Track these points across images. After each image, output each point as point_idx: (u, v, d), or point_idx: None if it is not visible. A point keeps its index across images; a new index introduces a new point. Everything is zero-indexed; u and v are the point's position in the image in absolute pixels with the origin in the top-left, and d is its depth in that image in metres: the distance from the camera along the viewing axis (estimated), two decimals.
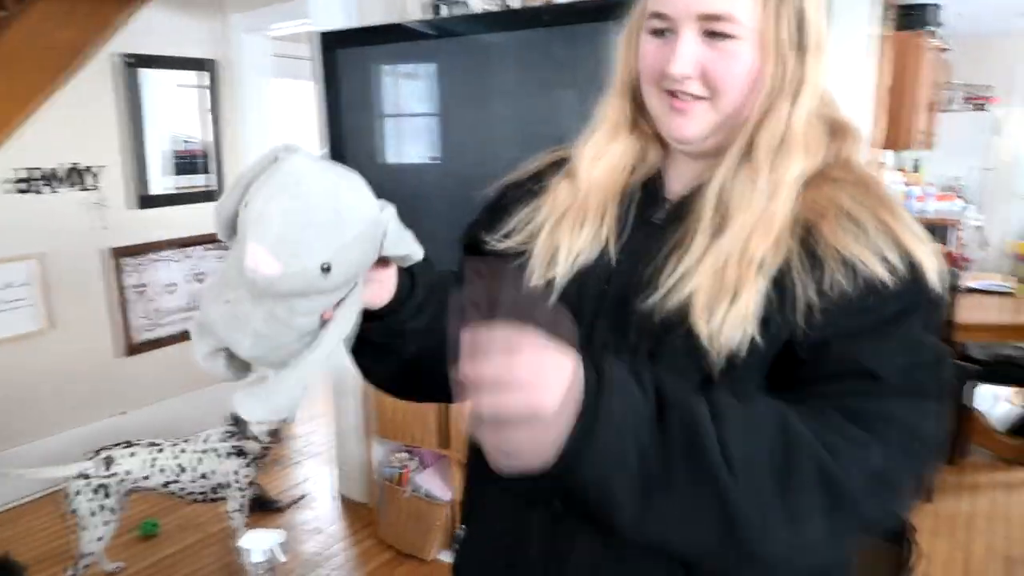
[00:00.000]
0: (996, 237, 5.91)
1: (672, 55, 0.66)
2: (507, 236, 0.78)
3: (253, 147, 3.44)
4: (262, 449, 2.34)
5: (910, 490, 0.64)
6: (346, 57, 2.38)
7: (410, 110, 2.40)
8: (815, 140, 0.68)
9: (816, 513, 0.57)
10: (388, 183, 2.39)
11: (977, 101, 5.64)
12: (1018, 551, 2.38)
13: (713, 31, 0.65)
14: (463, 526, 0.85)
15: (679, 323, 0.65)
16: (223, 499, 2.37)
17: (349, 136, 2.41)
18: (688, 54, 0.65)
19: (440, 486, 2.36)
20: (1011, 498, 2.71)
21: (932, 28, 4.66)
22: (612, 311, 0.71)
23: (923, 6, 4.62)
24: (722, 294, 0.63)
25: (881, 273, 0.61)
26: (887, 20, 2.37)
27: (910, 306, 0.63)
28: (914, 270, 0.63)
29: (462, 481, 2.39)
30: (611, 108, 0.75)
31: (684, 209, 0.70)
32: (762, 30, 0.65)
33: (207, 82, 3.35)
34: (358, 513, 2.73)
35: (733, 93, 0.66)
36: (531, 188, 0.80)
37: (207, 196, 3.41)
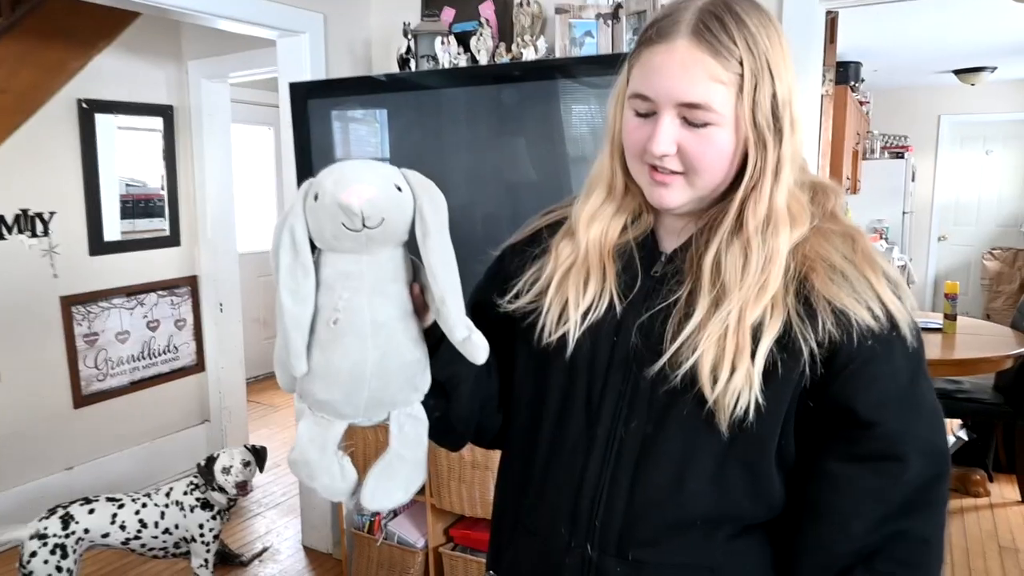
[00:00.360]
0: (919, 276, 6.33)
1: (653, 136, 0.70)
2: (516, 297, 0.82)
3: (209, 191, 3.41)
4: (228, 501, 2.29)
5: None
6: (316, 107, 2.41)
7: (376, 156, 2.45)
8: (799, 209, 0.73)
9: None
10: None
11: (895, 150, 6.06)
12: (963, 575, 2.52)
13: (690, 119, 0.69)
14: (491, 572, 0.89)
15: (688, 388, 0.71)
16: (186, 555, 2.30)
17: None
18: (667, 136, 0.70)
19: (414, 533, 2.35)
20: (954, 525, 2.88)
21: (854, 83, 5.04)
22: (623, 366, 0.76)
23: (846, 63, 5.01)
24: (724, 363, 0.69)
25: (868, 320, 0.69)
26: (827, 81, 2.58)
27: (915, 369, 0.72)
28: (891, 320, 0.70)
29: (434, 525, 2.35)
30: (604, 171, 0.80)
31: (678, 261, 0.77)
32: (738, 117, 0.69)
33: (164, 127, 3.32)
34: (324, 564, 2.67)
35: (709, 172, 0.72)
36: (531, 251, 0.84)
37: (162, 242, 3.35)
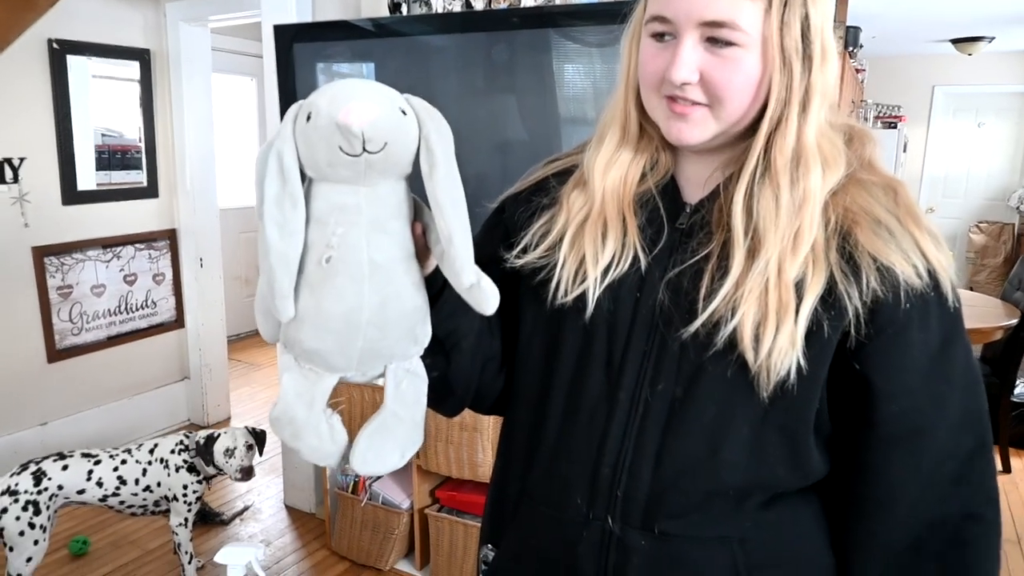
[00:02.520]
0: None
1: (673, 61, 0.64)
2: (524, 252, 0.75)
3: (189, 142, 3.28)
4: (217, 472, 2.22)
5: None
6: (301, 52, 2.30)
7: None
8: (832, 150, 0.67)
9: None
10: None
11: (888, 120, 6.01)
12: None
13: (715, 38, 0.63)
14: (490, 546, 0.83)
15: (728, 350, 0.66)
16: (165, 512, 2.24)
17: None
18: (689, 60, 0.63)
19: (399, 494, 2.31)
20: None
21: (853, 49, 4.96)
22: (647, 325, 0.70)
23: (846, 28, 4.91)
24: (767, 322, 0.64)
25: (912, 278, 0.64)
26: (837, 35, 2.50)
27: (954, 331, 0.68)
28: (933, 277, 0.66)
29: (419, 486, 2.31)
30: (617, 114, 0.73)
31: (706, 215, 0.70)
32: (766, 38, 0.63)
33: (141, 73, 3.17)
34: (307, 524, 2.63)
35: (735, 102, 0.65)
36: (538, 201, 0.77)
37: (140, 193, 3.23)
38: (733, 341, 0.65)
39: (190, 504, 2.20)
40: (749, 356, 0.64)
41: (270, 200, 0.60)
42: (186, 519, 2.20)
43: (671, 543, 0.69)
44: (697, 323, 0.66)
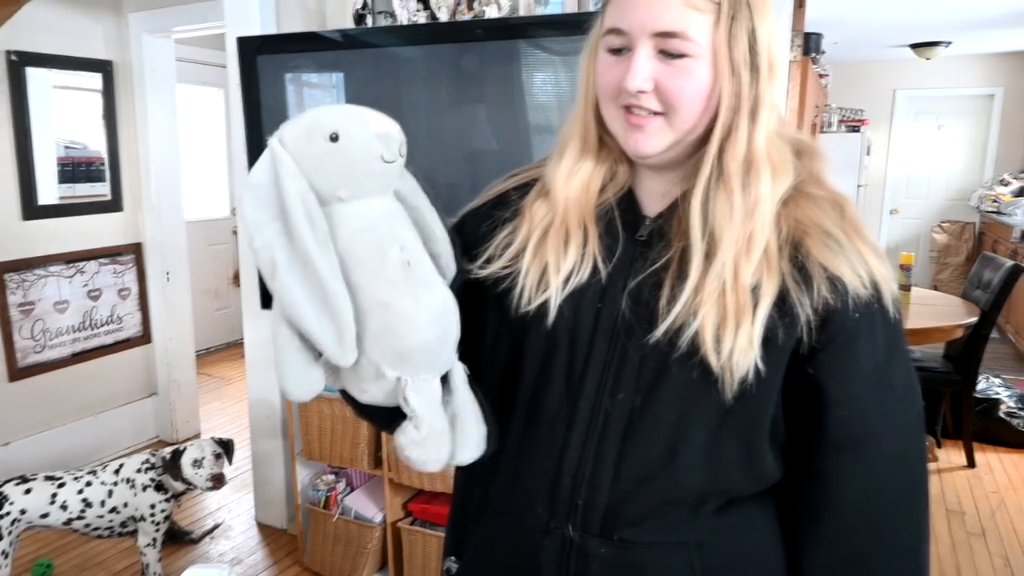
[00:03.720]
0: None
1: (628, 70, 0.66)
2: (488, 262, 0.76)
3: (154, 154, 3.23)
4: (186, 488, 2.19)
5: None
6: (266, 64, 2.28)
7: None
8: (781, 160, 0.69)
9: None
10: None
11: (851, 123, 6.12)
12: None
13: (667, 50, 0.65)
14: (453, 558, 0.84)
15: (689, 355, 0.67)
16: (132, 533, 2.20)
17: None
18: (643, 69, 0.66)
19: (371, 508, 2.30)
20: None
21: (816, 55, 5.05)
22: (608, 335, 0.71)
23: (808, 34, 5.00)
24: (727, 324, 0.66)
25: (859, 289, 0.67)
26: (795, 47, 2.55)
27: (894, 342, 0.70)
28: (877, 289, 0.69)
29: (392, 500, 2.29)
30: (577, 127, 0.75)
31: (665, 226, 0.72)
32: (716, 49, 0.65)
33: (103, 85, 3.12)
34: (279, 541, 2.60)
35: (687, 110, 0.67)
36: (499, 215, 0.78)
37: (103, 207, 3.17)
38: (695, 344, 0.66)
39: (158, 524, 2.16)
40: (711, 358, 0.66)
41: (312, 247, 0.58)
42: (154, 539, 2.16)
43: (630, 550, 0.70)
44: (660, 330, 0.67)
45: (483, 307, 0.78)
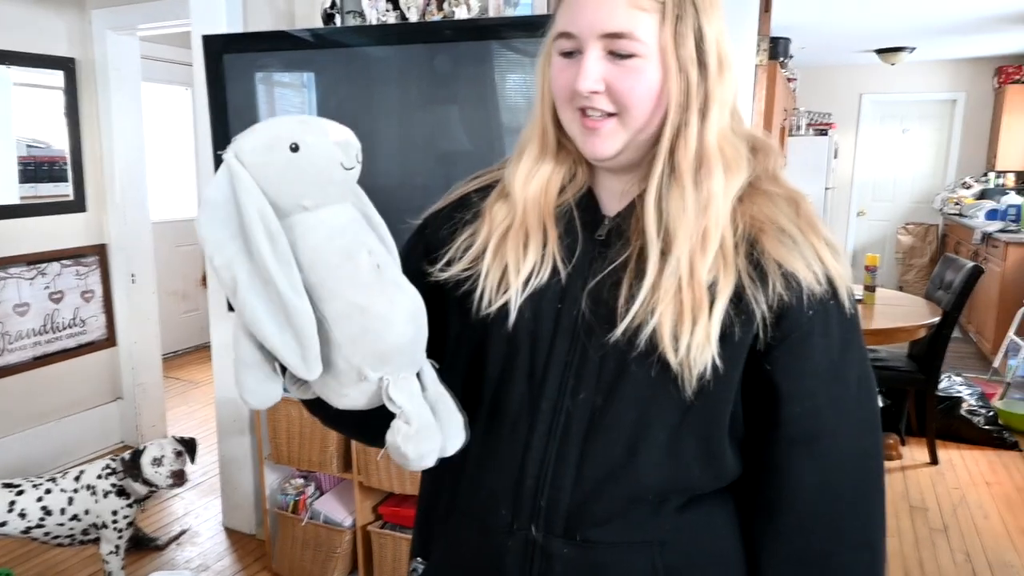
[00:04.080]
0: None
1: (579, 72, 0.67)
2: (448, 264, 0.76)
3: (118, 153, 3.17)
4: (149, 492, 2.15)
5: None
6: (232, 63, 2.25)
7: None
8: (735, 156, 0.70)
9: None
10: None
11: (819, 127, 6.23)
12: None
13: (616, 51, 0.66)
14: (419, 559, 0.83)
15: (648, 353, 0.67)
16: (95, 541, 2.16)
17: None
18: (594, 70, 0.67)
19: (340, 512, 2.27)
20: None
21: (784, 59, 5.13)
22: (569, 335, 0.72)
23: (776, 39, 5.07)
24: (684, 320, 0.66)
25: (813, 285, 0.68)
26: (761, 51, 2.58)
27: (849, 338, 0.71)
28: (832, 285, 0.70)
29: (361, 503, 2.28)
30: (535, 130, 0.76)
31: (624, 225, 0.72)
32: (663, 48, 0.66)
33: (65, 83, 3.05)
34: (247, 546, 2.57)
35: (639, 109, 0.68)
36: (460, 216, 0.79)
37: (66, 207, 3.10)
38: (653, 341, 0.67)
39: (121, 531, 2.11)
40: (670, 355, 0.66)
41: (272, 264, 0.58)
42: (117, 547, 2.12)
43: (593, 550, 0.70)
44: (619, 329, 0.68)
45: (445, 310, 0.77)
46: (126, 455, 2.12)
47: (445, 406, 0.68)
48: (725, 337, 0.67)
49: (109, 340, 3.32)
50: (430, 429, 0.64)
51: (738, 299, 0.67)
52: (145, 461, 2.09)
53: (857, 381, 0.72)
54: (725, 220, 0.68)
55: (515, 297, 0.72)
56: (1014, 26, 4.86)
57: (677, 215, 0.67)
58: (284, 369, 0.64)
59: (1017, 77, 5.62)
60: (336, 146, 0.61)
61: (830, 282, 0.69)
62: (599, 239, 0.73)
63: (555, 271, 0.73)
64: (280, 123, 0.61)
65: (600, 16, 0.66)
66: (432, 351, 0.77)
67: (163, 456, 2.10)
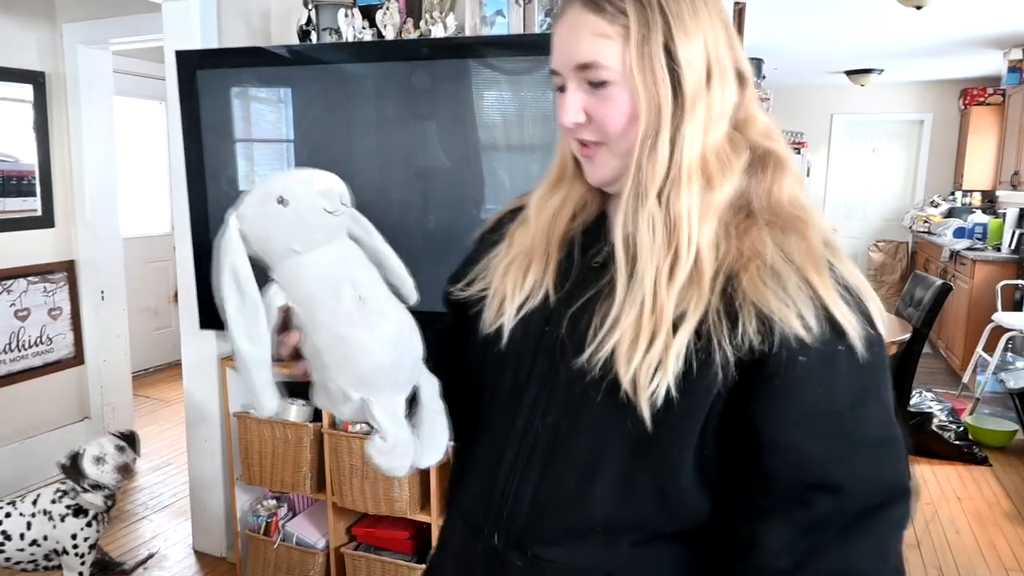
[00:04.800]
0: None
1: (561, 107, 0.70)
2: (469, 285, 0.81)
3: (88, 168, 3.12)
4: (106, 501, 2.09)
5: None
6: (206, 79, 2.23)
7: (274, 136, 2.30)
8: (719, 171, 0.66)
9: None
10: None
11: (792, 146, 6.33)
12: None
13: (591, 80, 0.67)
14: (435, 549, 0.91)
15: (603, 376, 0.66)
16: (59, 567, 2.09)
17: (209, 162, 2.26)
18: (573, 104, 0.69)
19: (314, 533, 2.23)
20: None
21: (757, 79, 5.22)
22: (548, 356, 0.73)
23: (749, 59, 5.16)
24: (639, 343, 0.64)
25: (798, 329, 0.61)
26: None
27: (860, 389, 0.63)
28: (837, 329, 0.62)
29: (335, 524, 2.25)
30: (557, 159, 0.79)
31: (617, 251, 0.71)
32: (628, 72, 0.65)
33: (35, 97, 3.00)
34: (217, 569, 2.51)
35: (620, 134, 0.68)
36: (491, 238, 0.84)
37: (33, 222, 3.04)
38: (608, 365, 0.65)
39: (83, 555, 2.05)
40: (622, 373, 0.64)
41: (233, 312, 0.67)
42: (81, 573, 2.06)
43: (543, 568, 0.72)
44: (585, 354, 0.67)
45: (465, 325, 0.82)
46: (65, 461, 2.04)
47: (432, 423, 0.75)
48: (685, 377, 0.63)
49: (77, 358, 3.24)
50: (404, 446, 0.71)
51: (698, 336, 0.64)
52: (87, 462, 2.02)
53: (873, 441, 0.64)
54: (703, 244, 0.65)
55: (508, 321, 0.75)
56: (979, 50, 5.00)
57: (642, 237, 0.66)
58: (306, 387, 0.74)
59: (981, 99, 5.77)
60: (319, 195, 0.68)
61: (833, 326, 0.62)
62: (595, 265, 0.73)
63: (546, 295, 0.75)
64: (274, 179, 0.70)
65: (571, 49, 0.68)
66: (462, 362, 0.83)
67: (104, 454, 2.03)
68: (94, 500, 2.06)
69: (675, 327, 0.64)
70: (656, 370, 0.63)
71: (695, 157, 0.66)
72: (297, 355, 0.72)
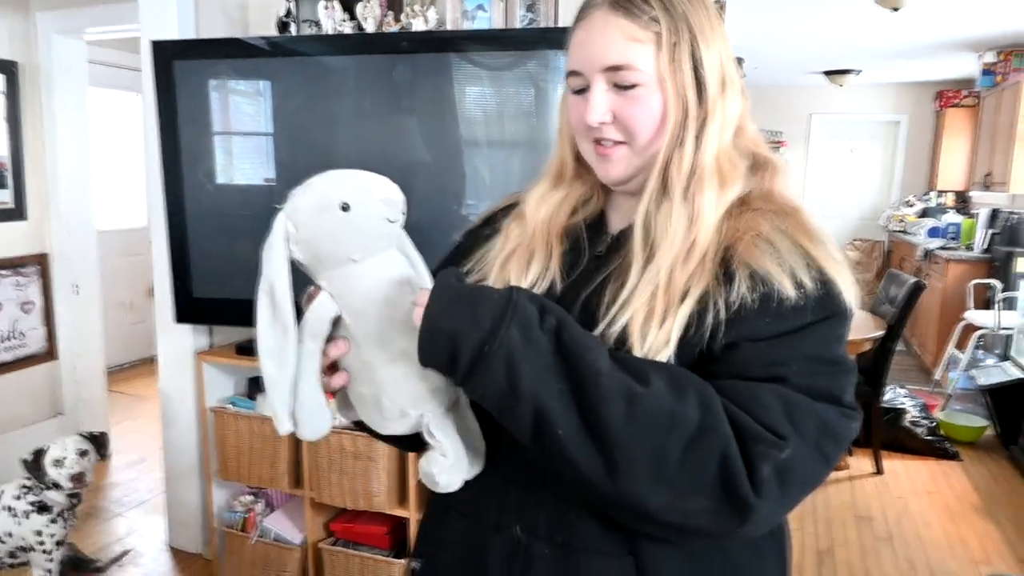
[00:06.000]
0: None
1: (587, 106, 0.72)
2: (465, 276, 0.81)
3: (62, 160, 3.07)
4: (69, 499, 2.06)
5: (812, 486, 0.67)
6: (183, 70, 2.20)
7: (253, 129, 2.28)
8: (731, 172, 0.72)
9: (705, 488, 0.61)
10: (230, 205, 2.24)
11: (772, 144, 6.40)
12: (825, 544, 2.69)
13: (619, 83, 0.71)
14: (417, 558, 0.86)
15: (617, 349, 0.68)
16: (26, 564, 2.06)
17: (186, 155, 2.23)
18: (600, 103, 0.72)
19: (291, 529, 2.22)
20: (817, 498, 3.07)
21: None
22: None
23: None
24: (653, 320, 0.68)
25: (788, 287, 0.66)
26: None
27: (819, 319, 0.67)
28: (826, 287, 0.67)
29: (313, 520, 2.24)
30: (555, 159, 0.83)
31: (622, 241, 0.76)
32: (661, 75, 0.70)
33: (7, 87, 2.95)
34: (193, 566, 2.48)
35: (646, 135, 0.72)
36: (483, 232, 0.86)
37: (5, 215, 2.99)
38: (622, 337, 0.68)
39: (49, 552, 2.02)
40: (637, 349, 0.67)
41: (262, 329, 0.65)
42: (49, 570, 2.03)
43: (570, 553, 0.72)
44: (597, 330, 0.70)
45: None
46: (28, 457, 2.01)
47: (472, 436, 0.74)
48: (683, 337, 0.68)
49: (50, 353, 3.19)
50: (463, 461, 0.71)
51: (701, 301, 0.68)
52: (47, 461, 1.99)
53: (821, 353, 0.67)
54: (712, 232, 0.71)
55: None
56: (953, 53, 5.08)
57: (663, 228, 0.71)
58: (333, 394, 0.71)
59: (956, 101, 5.86)
60: (382, 203, 0.66)
61: (823, 281, 0.67)
62: (599, 254, 0.78)
63: (552, 284, 0.77)
64: (331, 182, 0.67)
65: (600, 52, 0.71)
66: None
67: (64, 457, 2.00)
68: (57, 498, 2.03)
69: (681, 302, 0.69)
70: (665, 344, 0.67)
71: (713, 158, 0.72)
72: (333, 366, 0.70)
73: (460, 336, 0.62)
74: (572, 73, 0.74)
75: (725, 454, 0.61)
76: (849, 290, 0.69)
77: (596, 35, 0.71)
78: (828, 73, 5.97)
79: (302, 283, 0.69)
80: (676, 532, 0.66)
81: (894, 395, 3.80)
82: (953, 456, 3.48)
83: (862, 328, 3.17)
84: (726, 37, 0.74)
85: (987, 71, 5.05)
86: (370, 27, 2.17)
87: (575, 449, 0.62)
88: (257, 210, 2.15)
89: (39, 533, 2.01)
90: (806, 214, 0.73)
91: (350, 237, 0.65)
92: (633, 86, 0.71)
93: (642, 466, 0.61)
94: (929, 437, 3.54)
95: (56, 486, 2.01)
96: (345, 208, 0.64)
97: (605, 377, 0.62)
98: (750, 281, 0.67)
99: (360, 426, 0.77)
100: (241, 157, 2.30)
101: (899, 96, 6.61)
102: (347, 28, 2.19)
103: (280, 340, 0.65)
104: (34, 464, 2.00)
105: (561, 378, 0.62)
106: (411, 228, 0.77)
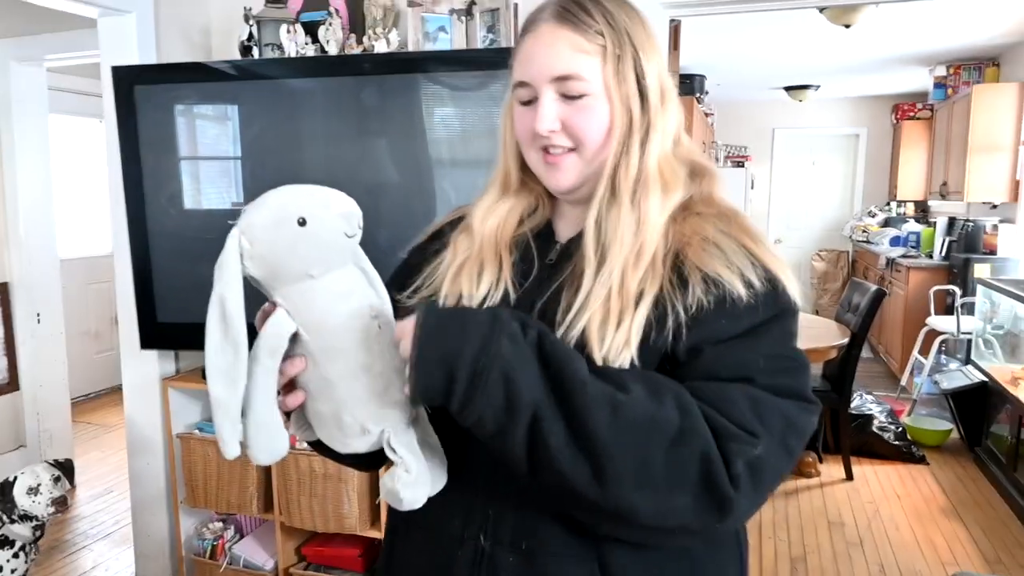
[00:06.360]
0: None
1: (537, 115, 0.74)
2: (415, 292, 0.83)
3: (22, 187, 3.03)
4: (34, 531, 2.01)
5: (779, 479, 0.70)
6: (144, 95, 2.20)
7: (218, 153, 2.27)
8: (673, 178, 0.76)
9: (688, 486, 0.63)
10: (195, 228, 2.23)
11: (736, 159, 6.52)
12: (797, 551, 2.72)
13: (567, 93, 0.73)
14: None
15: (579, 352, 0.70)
16: None
17: (148, 179, 2.22)
18: (550, 112, 0.74)
19: (261, 554, 2.19)
20: (789, 505, 3.10)
21: (699, 95, 5.37)
22: None
23: (691, 76, 5.32)
24: (610, 322, 0.70)
25: (739, 288, 0.69)
26: (676, 85, 2.69)
27: (771, 317, 0.70)
28: (773, 284, 0.71)
29: (284, 544, 2.22)
30: (499, 171, 0.84)
31: (572, 248, 0.78)
32: (608, 86, 0.73)
33: None
34: None
35: (595, 143, 0.75)
36: (432, 247, 0.86)
37: None
38: (581, 342, 0.70)
39: None
40: (596, 352, 0.69)
41: (211, 348, 0.64)
42: None
43: (535, 560, 0.73)
44: (558, 334, 0.71)
45: None
46: None
47: (434, 451, 0.74)
48: (644, 341, 0.69)
49: (11, 384, 3.12)
50: (425, 475, 0.70)
51: (656, 304, 0.70)
52: (19, 492, 1.93)
53: (777, 353, 0.70)
54: (659, 236, 0.74)
55: None
56: (907, 67, 5.25)
57: (613, 233, 0.73)
58: (288, 415, 0.71)
59: (912, 114, 6.04)
60: (340, 217, 0.66)
61: (770, 279, 0.70)
62: (550, 263, 0.80)
63: (506, 294, 0.78)
64: (288, 197, 0.66)
65: (549, 62, 0.73)
66: None
67: (39, 484, 1.95)
68: (21, 531, 1.97)
69: (636, 304, 0.71)
70: (624, 345, 0.69)
71: (656, 165, 0.75)
72: (290, 385, 0.70)
73: (453, 356, 0.62)
74: (520, 84, 0.76)
75: (705, 453, 0.64)
76: (793, 286, 0.73)
77: (544, 46, 0.74)
78: (788, 89, 6.12)
79: (254, 302, 0.68)
80: (655, 532, 0.68)
81: (862, 401, 3.86)
82: (920, 460, 3.55)
83: (827, 336, 3.23)
84: (662, 52, 0.78)
85: (939, 84, 5.22)
86: (332, 50, 2.18)
87: (563, 459, 0.63)
88: (222, 233, 2.12)
89: (0, 569, 1.95)
90: (745, 216, 0.77)
91: (308, 252, 0.65)
92: (581, 96, 0.73)
93: (628, 470, 0.62)
94: (897, 442, 3.60)
95: (24, 518, 1.96)
96: (302, 223, 0.64)
97: (590, 386, 0.63)
98: (704, 284, 0.70)
99: (317, 446, 0.76)
100: (206, 181, 2.29)
101: (858, 110, 6.79)
102: (310, 51, 2.20)
103: (231, 358, 0.64)
104: (3, 496, 1.94)
105: (550, 389, 0.63)
106: (377, 247, 0.77)
